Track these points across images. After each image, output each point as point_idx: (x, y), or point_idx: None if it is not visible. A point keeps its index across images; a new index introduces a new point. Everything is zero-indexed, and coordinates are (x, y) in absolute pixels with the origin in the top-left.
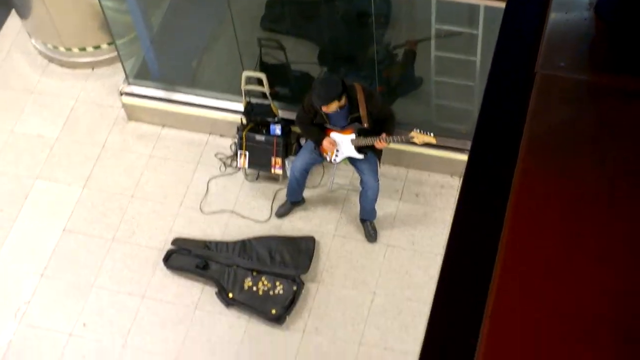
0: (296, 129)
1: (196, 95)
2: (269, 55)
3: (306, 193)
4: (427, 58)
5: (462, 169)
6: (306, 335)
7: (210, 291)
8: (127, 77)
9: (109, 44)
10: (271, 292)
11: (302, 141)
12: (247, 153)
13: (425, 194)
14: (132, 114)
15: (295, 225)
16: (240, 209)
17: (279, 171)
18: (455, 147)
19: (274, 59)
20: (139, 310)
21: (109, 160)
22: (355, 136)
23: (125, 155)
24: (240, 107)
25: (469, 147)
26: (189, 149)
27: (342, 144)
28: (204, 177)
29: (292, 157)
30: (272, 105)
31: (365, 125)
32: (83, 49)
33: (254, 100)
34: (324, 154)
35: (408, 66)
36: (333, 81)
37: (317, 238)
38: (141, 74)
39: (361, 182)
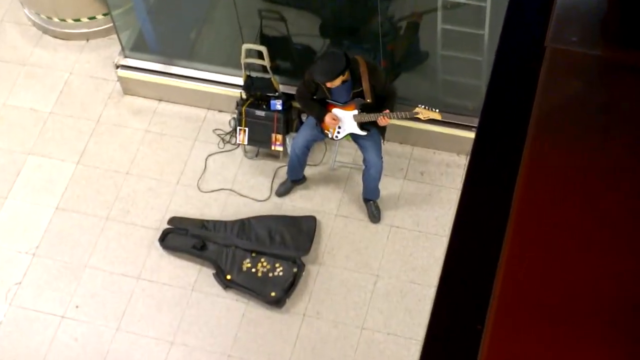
0: (297, 105)
1: (194, 68)
2: (270, 28)
3: (307, 171)
4: (433, 31)
5: (468, 147)
6: (306, 319)
7: (207, 272)
8: (122, 49)
9: (105, 14)
10: (270, 274)
11: (304, 117)
12: (246, 129)
13: (431, 173)
14: (127, 87)
15: (296, 204)
16: (239, 187)
17: (279, 148)
18: (461, 124)
19: (275, 31)
20: (133, 292)
21: (103, 135)
22: (358, 112)
23: (120, 131)
24: (240, 81)
25: (476, 124)
26: (186, 125)
27: (345, 120)
28: (202, 154)
29: (293, 134)
30: (272, 79)
31: (368, 100)
32: (78, 20)
33: (253, 74)
34: (326, 131)
35: (412, 39)
36: (337, 55)
37: (318, 218)
38: (137, 46)
39: (364, 160)
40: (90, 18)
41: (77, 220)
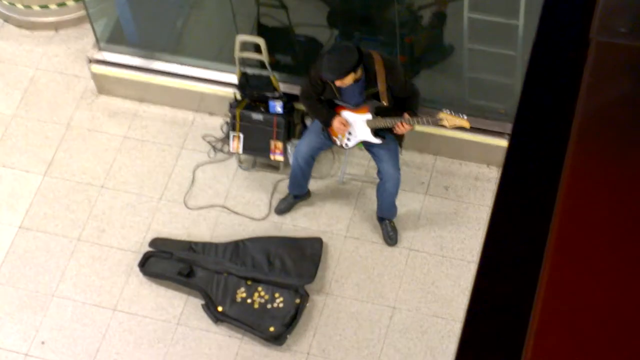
0: (301, 107)
1: (180, 64)
2: (269, 16)
3: (312, 185)
4: (459, 21)
5: (500, 157)
6: (311, 358)
7: (195, 303)
8: (97, 41)
9: (76, 0)
10: (269, 306)
11: (308, 122)
12: (241, 135)
13: (457, 188)
14: (103, 85)
15: (299, 224)
16: (233, 203)
17: (279, 158)
18: (492, 131)
19: (275, 21)
20: (109, 325)
21: (74, 142)
22: (372, 116)
23: (94, 137)
24: (234, 79)
25: (509, 130)
26: (171, 130)
27: (356, 125)
28: (189, 164)
29: (295, 141)
30: (271, 77)
31: (384, 102)
32: (45, 7)
33: (249, 71)
34: (334, 137)
35: (436, 31)
36: (348, 49)
37: (325, 240)
38: (114, 38)
39: (378, 172)
40: (59, 5)
41: (43, 241)
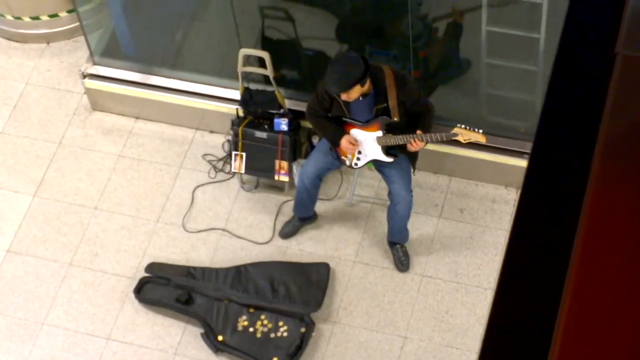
0: (307, 124)
1: (180, 79)
2: (274, 29)
3: (319, 207)
4: (477, 34)
5: (519, 178)
6: None
7: (194, 332)
8: (91, 54)
9: (69, 11)
10: (272, 335)
11: (315, 140)
12: (243, 154)
13: (472, 210)
14: (97, 101)
15: (305, 248)
16: (235, 226)
17: (284, 178)
18: (510, 150)
19: (280, 34)
20: (102, 355)
21: (66, 161)
22: (383, 133)
23: (87, 155)
24: (237, 94)
25: (528, 150)
26: (169, 148)
27: (366, 143)
28: (189, 185)
29: (301, 161)
30: (276, 93)
31: (395, 118)
32: (36, 18)
33: (253, 87)
34: (342, 157)
35: (452, 44)
36: (352, 59)
37: (332, 265)
38: (110, 51)
39: (389, 193)
40: (51, 16)
41: (33, 266)
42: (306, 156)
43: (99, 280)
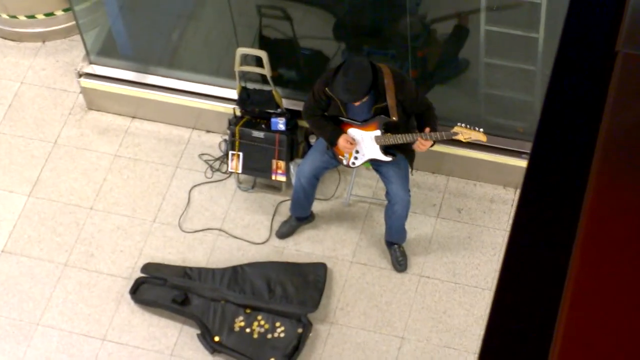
0: (304, 124)
1: (176, 78)
2: (271, 28)
3: (316, 207)
4: (476, 34)
5: (518, 178)
6: None
7: (190, 333)
8: (87, 53)
9: (65, 10)
10: (269, 336)
11: (312, 140)
12: (240, 154)
13: (471, 210)
14: (93, 101)
15: (302, 248)
16: (231, 226)
17: (281, 178)
18: (509, 150)
19: (278, 33)
20: (97, 356)
21: (62, 160)
22: (381, 132)
23: (83, 155)
24: (234, 94)
25: (527, 150)
26: (165, 148)
27: (364, 142)
28: (185, 185)
29: (298, 161)
30: (274, 92)
31: (394, 118)
32: (32, 17)
33: (250, 86)
34: (340, 156)
35: (455, 46)
36: (364, 68)
37: (329, 266)
38: (106, 50)
39: (387, 193)
40: (47, 15)
41: (27, 266)
42: (303, 156)
43: (94, 280)
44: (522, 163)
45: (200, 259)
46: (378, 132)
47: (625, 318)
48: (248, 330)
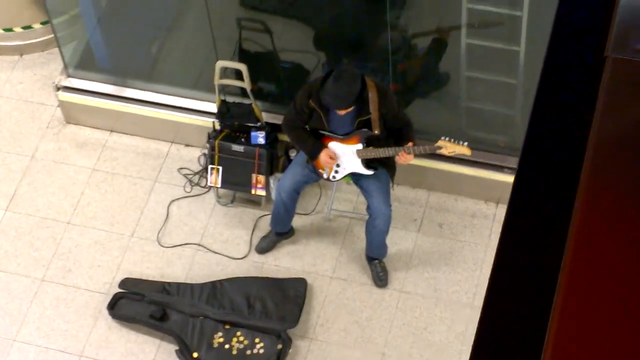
0: (285, 138)
1: (155, 91)
2: (251, 41)
3: (296, 221)
4: (456, 47)
5: (499, 193)
6: None
7: (169, 349)
8: (65, 66)
9: (43, 23)
10: (248, 352)
11: (292, 154)
12: (220, 168)
13: (452, 225)
14: (71, 114)
15: (282, 264)
16: (210, 241)
17: (261, 192)
18: (490, 164)
19: (258, 46)
20: None
21: (39, 174)
22: (363, 146)
23: (61, 169)
24: (213, 107)
25: (507, 164)
26: (144, 162)
27: (345, 156)
28: (164, 199)
29: (278, 175)
30: (253, 105)
31: (376, 131)
32: (9, 30)
33: (230, 99)
34: (320, 170)
35: (433, 60)
36: (354, 77)
37: (309, 281)
38: (84, 63)
39: (368, 207)
40: (25, 27)
41: (4, 281)
42: (283, 170)
43: (71, 296)
44: (504, 177)
45: (179, 274)
46: (360, 146)
47: (615, 332)
48: (227, 346)
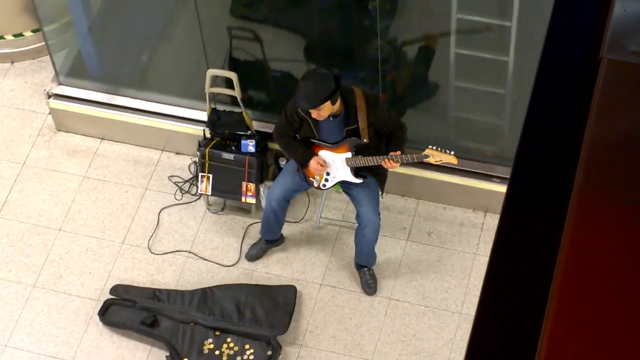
0: (275, 146)
1: (146, 99)
2: (242, 50)
3: (286, 229)
4: (445, 57)
5: (487, 202)
6: None
7: (159, 355)
8: (56, 74)
9: (34, 31)
10: (239, 358)
11: (282, 162)
12: (210, 176)
13: (440, 234)
14: (62, 122)
15: (272, 271)
16: (201, 248)
17: (251, 200)
18: (479, 173)
19: (248, 55)
20: None
21: (30, 182)
22: (352, 154)
23: (52, 176)
24: (204, 115)
25: (496, 173)
26: (134, 170)
27: (334, 164)
28: (154, 207)
29: (268, 183)
30: (244, 114)
31: (365, 140)
32: (1, 37)
33: (220, 107)
34: (310, 178)
35: (421, 68)
36: (324, 76)
37: (299, 288)
38: (75, 71)
39: (357, 216)
40: (16, 35)
41: None
42: (273, 178)
43: (63, 302)
44: (493, 186)
45: (169, 280)
46: (349, 154)
47: (609, 335)
48: (217, 352)
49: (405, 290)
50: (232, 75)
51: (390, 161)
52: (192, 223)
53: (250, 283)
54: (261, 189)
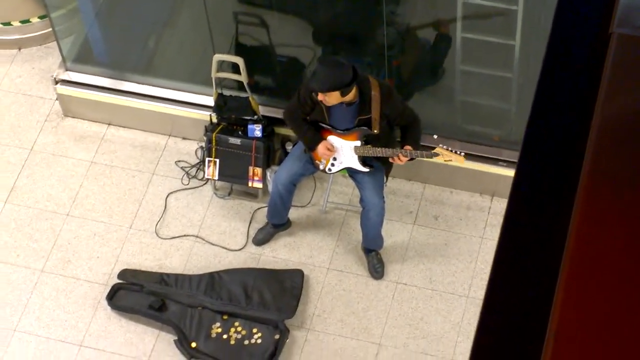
0: (281, 131)
1: (152, 85)
2: (248, 35)
3: (292, 214)
4: (451, 41)
5: (494, 185)
6: None
7: (167, 339)
8: (63, 60)
9: (42, 17)
10: (246, 342)
11: (289, 147)
12: (217, 161)
13: (447, 217)
14: (69, 107)
15: (279, 255)
16: (208, 233)
17: (258, 185)
18: (485, 157)
19: (254, 40)
20: None
21: (38, 167)
22: (361, 143)
23: (59, 162)
24: (210, 101)
25: (503, 157)
26: (142, 155)
27: (342, 150)
28: (161, 192)
29: (275, 167)
30: (250, 99)
31: (375, 131)
32: (7, 24)
33: (227, 93)
34: (317, 161)
35: (439, 55)
36: (342, 66)
37: (306, 272)
38: (82, 57)
39: (361, 200)
40: (23, 22)
41: (4, 272)
42: (280, 163)
43: (71, 287)
44: (499, 170)
45: (176, 265)
46: (358, 143)
47: (615, 326)
48: (225, 336)
49: (412, 274)
50: (239, 60)
51: (401, 156)
52: (199, 208)
53: (257, 267)
54: (268, 174)
